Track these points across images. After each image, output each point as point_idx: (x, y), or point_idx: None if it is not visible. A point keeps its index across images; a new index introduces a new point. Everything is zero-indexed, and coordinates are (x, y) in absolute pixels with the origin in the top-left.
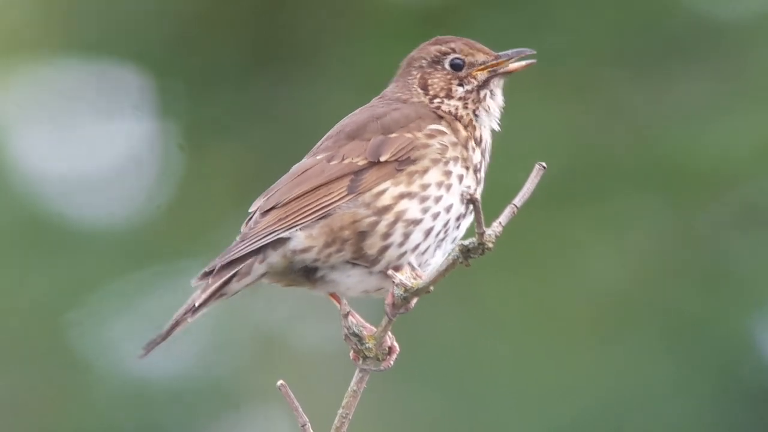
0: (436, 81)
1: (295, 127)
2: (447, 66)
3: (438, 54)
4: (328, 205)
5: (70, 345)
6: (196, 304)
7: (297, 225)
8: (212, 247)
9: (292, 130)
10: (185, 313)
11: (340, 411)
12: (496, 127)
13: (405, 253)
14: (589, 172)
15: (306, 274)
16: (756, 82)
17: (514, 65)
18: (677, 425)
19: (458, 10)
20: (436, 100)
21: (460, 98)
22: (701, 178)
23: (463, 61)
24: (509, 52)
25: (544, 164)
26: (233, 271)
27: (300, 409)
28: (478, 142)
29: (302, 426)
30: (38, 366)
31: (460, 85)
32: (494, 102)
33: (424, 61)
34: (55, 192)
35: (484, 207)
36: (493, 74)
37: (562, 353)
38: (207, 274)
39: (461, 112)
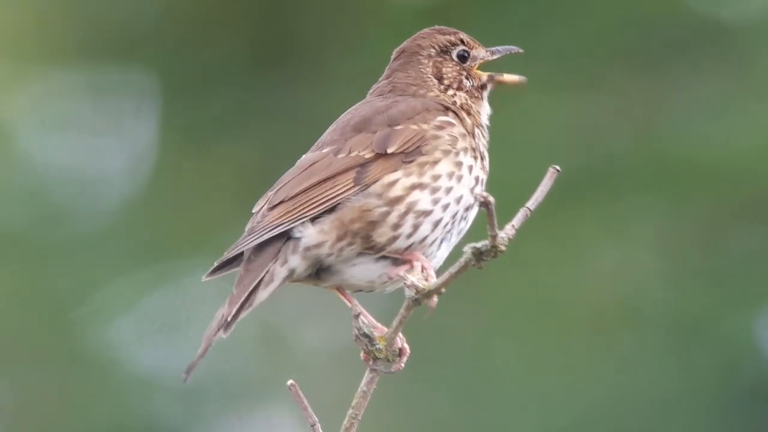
0: (449, 71)
1: (297, 126)
2: (455, 57)
3: (447, 44)
4: (335, 196)
5: (75, 344)
6: (228, 319)
7: (304, 217)
8: (214, 247)
9: (294, 130)
10: (218, 330)
11: (350, 411)
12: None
13: (412, 244)
14: (594, 172)
15: (317, 271)
16: (762, 81)
17: (507, 78)
18: (683, 425)
19: (462, 7)
20: (450, 91)
21: (467, 90)
22: (706, 177)
23: (468, 54)
24: (499, 48)
25: (557, 167)
26: (257, 281)
27: (309, 409)
28: (482, 130)
29: (312, 426)
30: (42, 364)
31: (467, 78)
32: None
33: (433, 50)
34: (58, 191)
35: None
36: (491, 79)
37: (567, 353)
38: (215, 270)
39: (469, 102)
